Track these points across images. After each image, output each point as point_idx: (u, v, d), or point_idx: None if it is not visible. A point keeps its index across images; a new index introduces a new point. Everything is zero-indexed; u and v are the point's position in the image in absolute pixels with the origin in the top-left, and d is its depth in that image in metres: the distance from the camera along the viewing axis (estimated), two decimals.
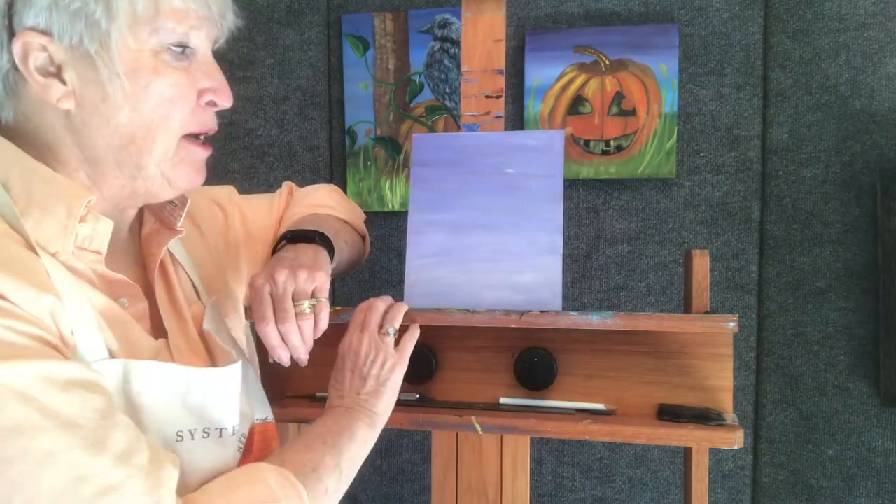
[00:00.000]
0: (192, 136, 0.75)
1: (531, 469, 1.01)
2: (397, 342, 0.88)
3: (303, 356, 0.81)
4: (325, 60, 1.65)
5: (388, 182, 1.63)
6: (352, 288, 1.65)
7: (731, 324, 0.89)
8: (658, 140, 1.51)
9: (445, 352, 0.98)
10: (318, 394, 1.02)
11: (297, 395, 1.03)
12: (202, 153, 0.77)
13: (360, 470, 0.84)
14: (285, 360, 0.82)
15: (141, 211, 0.83)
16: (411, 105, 1.62)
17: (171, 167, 0.74)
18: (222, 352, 0.82)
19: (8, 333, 0.60)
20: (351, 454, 0.81)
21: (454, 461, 1.02)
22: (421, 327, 0.94)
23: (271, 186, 1.67)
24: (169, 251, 0.85)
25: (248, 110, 1.67)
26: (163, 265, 0.83)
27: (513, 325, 0.92)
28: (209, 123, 0.77)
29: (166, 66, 0.70)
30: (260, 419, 0.83)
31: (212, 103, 0.76)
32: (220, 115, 0.81)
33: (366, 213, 1.63)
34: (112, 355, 0.69)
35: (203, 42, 0.74)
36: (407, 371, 0.98)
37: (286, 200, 1.10)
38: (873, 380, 1.44)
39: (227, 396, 0.77)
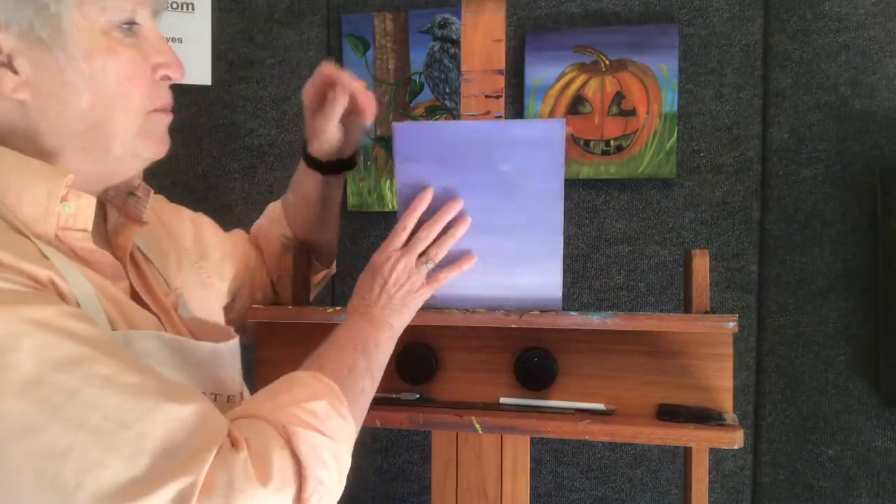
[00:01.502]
0: (153, 111, 0.75)
1: (531, 469, 1.01)
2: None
3: None
4: None
5: (388, 182, 1.63)
6: (351, 287, 1.64)
7: (731, 324, 0.89)
8: (658, 140, 1.51)
9: (445, 352, 0.98)
10: None
11: None
12: (165, 120, 0.77)
13: (360, 470, 0.85)
14: None
15: (103, 207, 0.83)
16: (411, 105, 1.62)
17: (139, 142, 0.74)
18: (214, 329, 0.84)
19: (23, 285, 0.61)
20: (378, 360, 0.83)
21: (454, 461, 1.02)
22: (421, 327, 0.94)
23: (271, 186, 1.68)
24: (137, 246, 0.85)
25: (248, 110, 1.67)
26: (133, 258, 0.83)
27: (513, 325, 0.92)
28: (167, 98, 0.76)
29: (119, 44, 0.70)
30: None
31: (166, 77, 0.75)
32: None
33: (366, 213, 1.64)
34: (114, 327, 0.70)
35: (148, 18, 0.73)
36: (407, 371, 0.98)
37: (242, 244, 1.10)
38: (873, 380, 1.44)
39: (227, 369, 0.79)
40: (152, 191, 0.84)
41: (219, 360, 0.79)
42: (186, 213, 1.02)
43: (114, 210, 0.83)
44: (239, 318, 1.04)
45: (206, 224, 1.03)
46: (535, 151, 0.89)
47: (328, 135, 0.98)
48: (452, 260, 0.91)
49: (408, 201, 0.91)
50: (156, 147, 0.76)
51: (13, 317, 0.59)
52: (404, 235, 0.89)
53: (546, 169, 0.89)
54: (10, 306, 0.59)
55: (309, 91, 0.98)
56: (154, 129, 0.75)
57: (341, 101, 0.95)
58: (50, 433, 0.57)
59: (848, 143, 1.46)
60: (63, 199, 0.69)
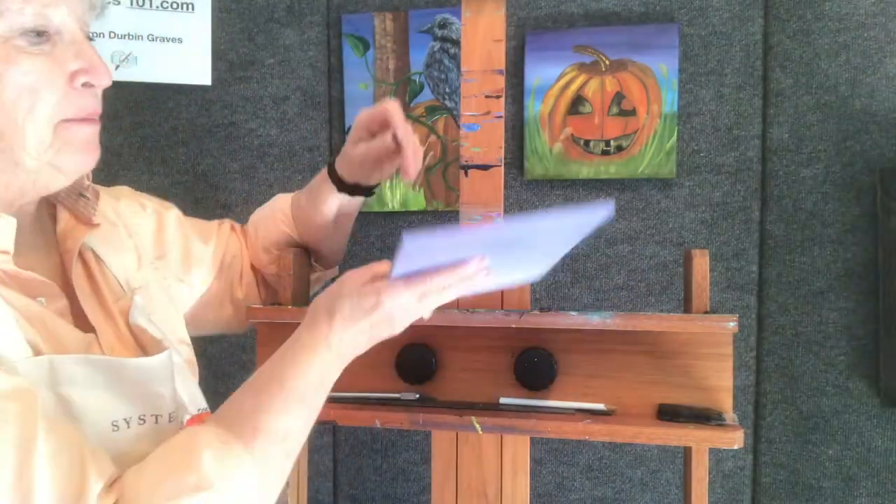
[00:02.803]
0: (68, 120, 0.70)
1: (531, 469, 1.01)
2: None
3: None
4: (325, 60, 1.65)
5: (388, 182, 1.63)
6: None
7: (731, 324, 0.89)
8: (658, 140, 1.51)
9: (445, 352, 0.98)
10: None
11: None
12: (86, 130, 0.72)
13: (360, 470, 0.84)
14: None
15: (54, 207, 0.80)
16: (411, 105, 1.62)
17: (55, 154, 0.70)
18: (153, 342, 0.80)
19: None
20: (322, 403, 0.74)
21: (454, 461, 1.02)
22: (421, 327, 0.94)
23: (271, 186, 1.68)
24: (91, 248, 0.82)
25: (248, 110, 1.67)
26: (84, 261, 0.80)
27: (513, 325, 0.92)
28: (89, 106, 0.71)
29: (19, 52, 0.65)
30: (197, 410, 0.81)
31: (88, 84, 0.70)
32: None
33: (366, 212, 1.64)
34: (37, 352, 0.67)
35: (67, 20, 0.69)
36: (407, 371, 0.98)
37: (227, 233, 1.07)
38: (873, 380, 1.44)
39: (160, 384, 0.75)
40: (101, 191, 0.82)
41: (150, 375, 0.75)
42: (151, 205, 0.98)
43: (64, 211, 0.80)
44: (226, 315, 1.02)
45: (172, 218, 0.99)
46: (568, 231, 0.75)
47: (361, 167, 0.95)
48: None
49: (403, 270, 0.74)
50: (77, 158, 0.72)
51: None
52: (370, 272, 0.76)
53: (567, 240, 0.77)
54: None
55: (363, 120, 0.94)
56: (70, 139, 0.70)
57: (390, 148, 0.91)
58: None
59: (848, 143, 1.46)
60: None
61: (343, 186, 0.98)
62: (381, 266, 0.75)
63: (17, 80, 0.65)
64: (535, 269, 0.85)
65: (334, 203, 0.99)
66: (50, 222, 0.81)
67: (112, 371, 0.71)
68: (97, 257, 0.83)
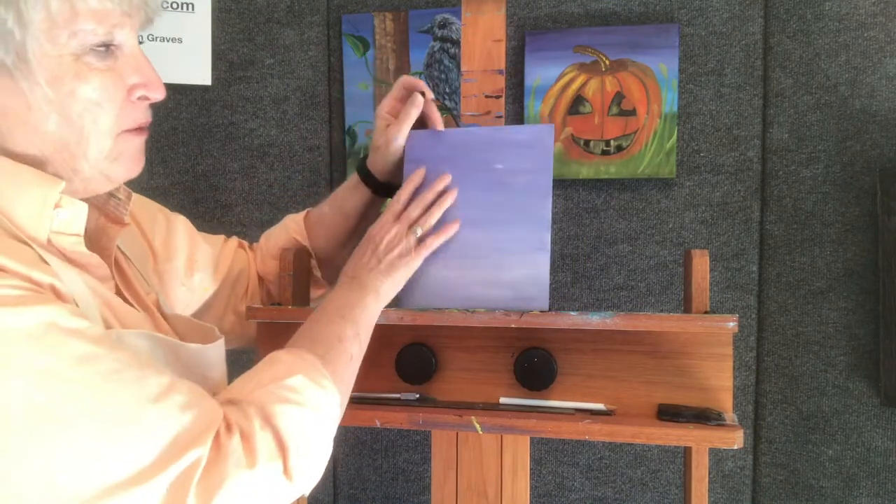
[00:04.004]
0: (126, 131, 0.74)
1: (531, 469, 1.01)
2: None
3: None
4: (325, 60, 1.65)
5: None
6: None
7: (731, 324, 0.89)
8: (658, 140, 1.51)
9: (445, 352, 0.98)
10: None
11: None
12: (138, 141, 0.77)
13: (360, 470, 0.86)
14: None
15: None
16: None
17: (110, 163, 0.74)
18: (197, 329, 0.86)
19: (27, 290, 0.63)
20: (365, 324, 0.86)
21: (454, 461, 1.02)
22: (420, 327, 0.94)
23: (271, 186, 1.68)
24: (119, 247, 0.86)
25: (248, 110, 1.67)
26: (115, 258, 0.84)
27: (513, 325, 0.92)
28: (141, 118, 0.76)
29: (89, 69, 0.69)
30: None
31: (144, 98, 0.74)
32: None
33: None
34: (107, 326, 0.72)
35: (128, 36, 0.72)
36: (407, 371, 0.98)
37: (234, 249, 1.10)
38: (873, 380, 1.44)
39: (211, 369, 0.80)
40: (133, 194, 0.85)
41: (206, 360, 0.80)
42: (161, 213, 1.02)
43: (94, 211, 0.83)
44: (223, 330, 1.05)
45: (181, 226, 1.03)
46: (527, 152, 0.96)
47: (397, 146, 1.00)
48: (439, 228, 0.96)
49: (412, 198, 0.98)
50: (127, 168, 0.76)
51: (28, 315, 0.61)
52: (398, 207, 0.95)
53: (536, 168, 0.95)
54: (16, 307, 0.61)
55: (387, 102, 1.02)
56: (125, 150, 0.75)
57: (418, 103, 0.98)
58: (61, 427, 0.59)
59: (848, 143, 1.46)
60: (57, 206, 0.70)
61: (374, 183, 1.04)
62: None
63: (86, 95, 0.69)
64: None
65: (364, 205, 1.06)
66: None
67: (172, 350, 0.76)
68: (125, 255, 0.87)
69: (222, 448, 0.63)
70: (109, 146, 0.73)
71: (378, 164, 1.02)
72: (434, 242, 0.94)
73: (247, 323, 1.04)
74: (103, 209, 0.84)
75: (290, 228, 1.09)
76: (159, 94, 0.75)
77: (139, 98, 0.74)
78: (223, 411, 0.66)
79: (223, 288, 1.06)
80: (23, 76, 0.66)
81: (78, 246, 0.73)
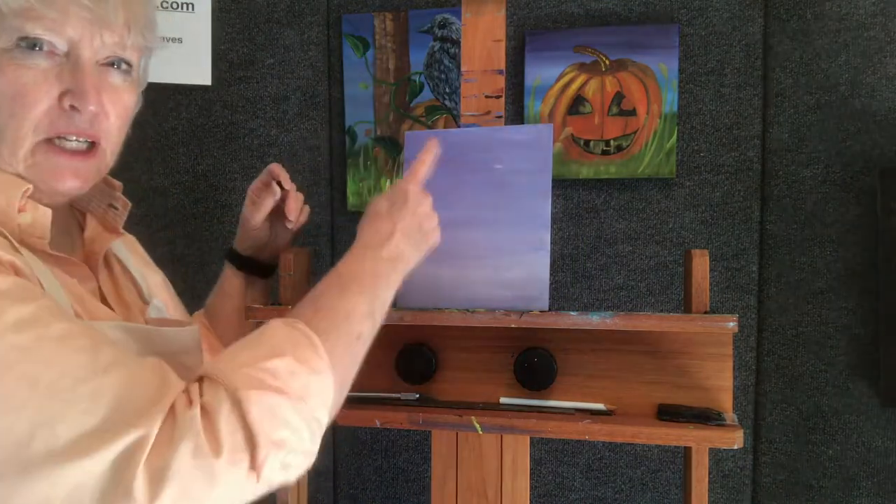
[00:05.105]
0: (52, 142, 0.73)
1: (531, 469, 1.01)
2: None
3: None
4: (325, 60, 1.65)
5: (387, 182, 1.63)
6: None
7: (731, 324, 0.89)
8: (658, 140, 1.51)
9: (445, 352, 0.98)
10: None
11: None
12: (62, 162, 0.74)
13: (360, 470, 0.85)
14: None
15: (84, 217, 0.86)
16: (411, 105, 1.62)
17: (27, 168, 0.73)
18: (173, 323, 0.86)
19: None
20: (383, 300, 0.78)
21: (454, 461, 1.02)
22: (420, 327, 0.94)
23: None
24: (115, 254, 0.88)
25: (248, 110, 1.67)
26: (108, 263, 0.86)
27: (513, 325, 0.92)
28: (63, 127, 0.73)
29: (14, 63, 0.70)
30: None
31: (73, 107, 0.73)
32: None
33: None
34: (78, 316, 0.72)
35: (78, 44, 0.72)
36: (407, 371, 0.98)
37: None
38: (873, 380, 1.44)
39: (188, 355, 0.79)
40: (130, 204, 0.87)
41: (182, 345, 0.79)
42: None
43: (93, 220, 0.86)
44: None
45: (170, 289, 1.04)
46: (526, 152, 0.96)
47: (253, 226, 1.05)
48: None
49: None
50: (49, 183, 0.75)
51: None
52: (424, 174, 0.88)
53: (535, 168, 0.96)
54: None
55: (255, 184, 1.06)
56: (42, 162, 0.73)
57: (275, 192, 1.03)
58: (4, 389, 0.58)
59: (848, 143, 1.46)
60: (21, 210, 0.71)
61: (238, 260, 1.08)
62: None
63: (2, 87, 0.70)
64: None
65: (240, 286, 1.09)
66: (78, 230, 0.86)
67: (145, 338, 0.75)
68: (121, 263, 0.89)
69: (178, 421, 0.58)
70: (25, 149, 0.72)
71: (240, 243, 1.08)
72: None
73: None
74: (102, 219, 0.86)
75: (202, 323, 1.11)
76: (87, 104, 0.73)
77: (71, 106, 0.73)
78: (187, 385, 0.63)
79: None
80: None
81: (43, 247, 0.74)
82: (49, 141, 0.73)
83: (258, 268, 1.09)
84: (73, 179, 0.75)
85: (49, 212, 0.73)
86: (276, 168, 1.04)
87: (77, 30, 0.72)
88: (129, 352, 0.68)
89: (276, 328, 0.69)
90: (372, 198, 0.90)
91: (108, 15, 0.73)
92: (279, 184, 1.04)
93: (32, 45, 0.70)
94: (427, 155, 0.89)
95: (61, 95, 0.72)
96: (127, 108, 0.79)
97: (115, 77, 0.76)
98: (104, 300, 0.82)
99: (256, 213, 1.04)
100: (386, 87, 1.63)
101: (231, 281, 1.09)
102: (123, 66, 0.77)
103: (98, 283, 0.82)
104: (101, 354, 0.61)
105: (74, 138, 0.74)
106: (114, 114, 0.76)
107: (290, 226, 1.05)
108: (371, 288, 0.77)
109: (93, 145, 0.76)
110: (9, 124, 0.71)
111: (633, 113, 1.52)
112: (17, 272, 0.65)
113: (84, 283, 0.78)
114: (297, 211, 1.04)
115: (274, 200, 1.03)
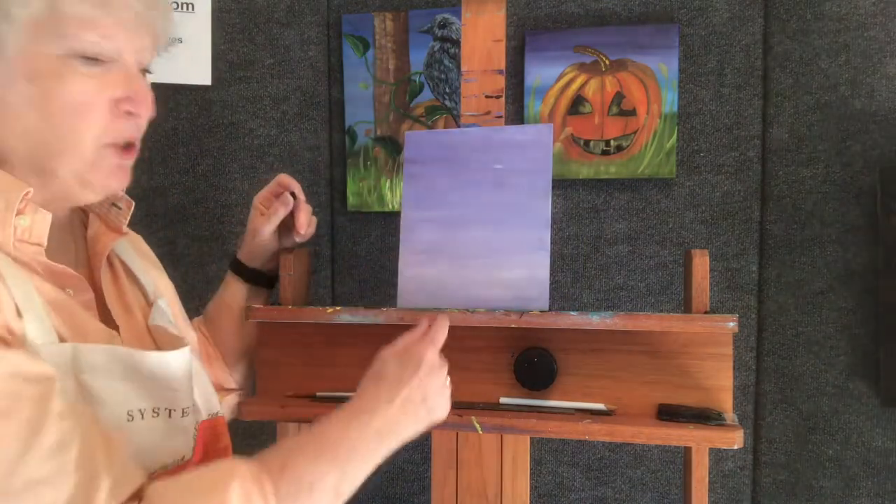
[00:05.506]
0: (110, 146, 0.74)
1: (531, 469, 1.01)
2: None
3: None
4: (325, 60, 1.65)
5: (387, 182, 1.63)
6: (351, 287, 1.65)
7: (731, 324, 0.89)
8: (658, 140, 1.51)
9: (445, 352, 0.98)
10: (319, 393, 1.02)
11: (298, 394, 1.03)
12: (119, 160, 0.76)
13: None
14: None
15: (87, 216, 0.85)
16: (411, 105, 1.62)
17: (87, 172, 0.74)
18: (172, 341, 0.83)
19: None
20: (354, 476, 0.76)
21: (454, 461, 1.02)
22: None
23: None
24: (118, 255, 0.87)
25: (248, 110, 1.67)
26: (111, 264, 0.85)
27: (513, 325, 0.92)
28: (126, 133, 0.75)
29: (73, 71, 0.69)
30: (207, 415, 0.84)
31: (129, 112, 0.74)
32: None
33: (366, 213, 1.64)
34: (62, 340, 0.70)
35: (124, 51, 0.73)
36: None
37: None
38: (873, 380, 1.44)
39: (176, 379, 0.77)
40: (133, 203, 0.86)
41: (168, 369, 0.77)
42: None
43: (96, 219, 0.85)
44: None
45: (174, 292, 1.03)
46: (526, 152, 0.97)
47: (262, 237, 1.03)
48: None
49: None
50: (104, 182, 0.76)
51: None
52: (443, 335, 0.85)
53: (535, 168, 0.96)
54: None
55: (263, 194, 1.05)
56: (104, 164, 0.75)
57: (287, 202, 1.01)
58: None
59: (848, 143, 1.46)
60: (20, 213, 0.70)
61: (244, 271, 1.06)
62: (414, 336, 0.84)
63: (65, 97, 0.70)
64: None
65: (242, 296, 1.07)
66: (81, 229, 0.85)
67: (131, 363, 0.74)
68: (124, 264, 0.88)
69: None
70: (89, 155, 0.73)
71: (244, 255, 1.06)
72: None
73: None
74: (105, 217, 0.85)
75: (201, 331, 1.10)
76: (144, 111, 0.75)
77: (126, 113, 0.74)
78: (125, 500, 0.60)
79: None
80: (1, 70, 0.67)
81: (39, 256, 0.73)
82: (108, 145, 0.75)
83: (265, 279, 1.08)
84: (125, 177, 0.78)
85: (49, 215, 0.73)
86: (287, 178, 1.04)
87: (129, 37, 0.73)
88: (121, 389, 0.68)
89: (235, 481, 0.64)
90: (383, 350, 0.82)
91: (155, 22, 0.75)
92: (293, 194, 1.03)
93: (89, 53, 0.70)
94: (446, 320, 0.86)
95: (118, 101, 0.73)
96: None
97: (146, 81, 0.79)
98: (104, 306, 0.80)
99: (267, 223, 1.02)
100: (386, 87, 1.63)
101: (233, 291, 1.08)
102: (149, 71, 0.80)
103: (94, 294, 0.80)
104: (17, 474, 0.58)
105: (124, 140, 0.76)
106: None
107: (298, 238, 1.05)
108: (345, 462, 0.73)
109: (130, 143, 0.78)
110: (71, 134, 0.71)
111: (633, 113, 1.52)
112: None
113: (79, 295, 0.77)
114: (307, 224, 1.04)
115: (286, 211, 1.02)
